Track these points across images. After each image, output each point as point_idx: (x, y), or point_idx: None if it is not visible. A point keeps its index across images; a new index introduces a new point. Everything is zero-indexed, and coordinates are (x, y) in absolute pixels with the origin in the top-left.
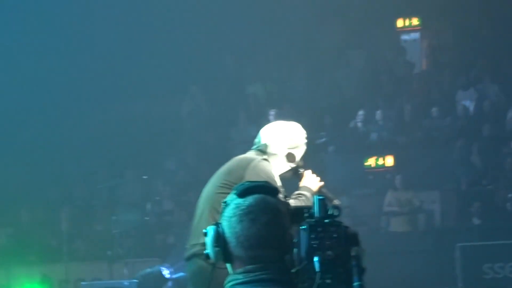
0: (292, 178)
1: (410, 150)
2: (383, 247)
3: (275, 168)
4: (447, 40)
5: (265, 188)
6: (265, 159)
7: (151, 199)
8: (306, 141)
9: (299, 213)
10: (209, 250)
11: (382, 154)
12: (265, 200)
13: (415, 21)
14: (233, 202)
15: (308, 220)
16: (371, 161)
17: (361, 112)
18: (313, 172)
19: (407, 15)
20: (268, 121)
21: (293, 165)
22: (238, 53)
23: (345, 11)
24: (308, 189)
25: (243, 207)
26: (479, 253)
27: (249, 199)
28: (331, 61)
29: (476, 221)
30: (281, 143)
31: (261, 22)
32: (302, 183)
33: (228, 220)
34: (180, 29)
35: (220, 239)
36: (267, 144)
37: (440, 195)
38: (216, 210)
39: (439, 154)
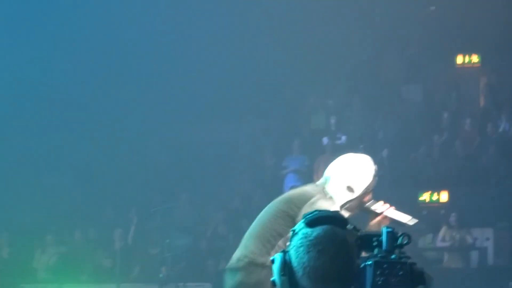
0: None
1: (465, 186)
2: (436, 283)
3: (336, 199)
4: (506, 77)
5: (334, 218)
6: (330, 197)
7: (205, 224)
8: (374, 174)
9: (368, 240)
10: (275, 277)
11: (436, 189)
12: (333, 231)
13: (474, 58)
14: (301, 231)
15: (374, 255)
16: (425, 196)
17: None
18: (384, 204)
19: (466, 51)
20: (322, 151)
21: (353, 196)
22: (296, 83)
23: (405, 45)
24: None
25: (311, 237)
26: None
27: (318, 230)
28: (389, 94)
29: None
30: (342, 177)
31: (320, 54)
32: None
33: (296, 250)
34: (240, 57)
35: (286, 267)
36: (329, 177)
37: (493, 232)
38: (266, 237)
39: (494, 191)
